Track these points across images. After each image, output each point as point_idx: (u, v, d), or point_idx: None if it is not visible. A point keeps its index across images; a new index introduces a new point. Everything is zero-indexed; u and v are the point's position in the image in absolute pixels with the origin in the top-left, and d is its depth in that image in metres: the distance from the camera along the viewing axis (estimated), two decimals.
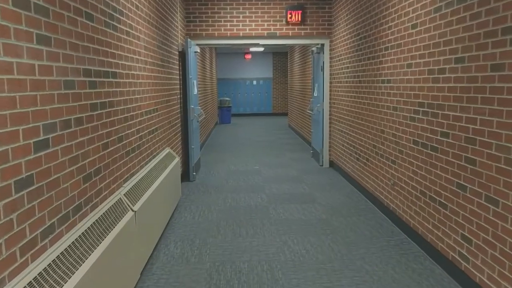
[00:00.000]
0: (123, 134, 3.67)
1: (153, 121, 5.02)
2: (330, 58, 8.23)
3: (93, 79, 2.98)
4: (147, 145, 4.59)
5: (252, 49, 18.86)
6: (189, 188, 6.83)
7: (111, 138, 3.35)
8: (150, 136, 4.78)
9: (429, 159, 4.02)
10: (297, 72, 13.45)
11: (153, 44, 5.15)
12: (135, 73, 4.14)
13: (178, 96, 7.13)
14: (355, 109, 6.65)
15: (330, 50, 8.21)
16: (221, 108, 17.83)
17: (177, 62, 7.04)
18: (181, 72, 7.40)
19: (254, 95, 21.36)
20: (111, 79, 3.37)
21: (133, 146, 3.99)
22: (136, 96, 4.15)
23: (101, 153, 3.12)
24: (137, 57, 4.24)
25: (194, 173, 7.43)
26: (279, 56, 21.18)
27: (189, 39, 7.17)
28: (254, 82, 21.33)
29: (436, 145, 3.88)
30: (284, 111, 21.33)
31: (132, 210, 3.36)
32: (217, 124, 17.50)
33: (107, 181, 3.24)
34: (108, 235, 2.77)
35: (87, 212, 2.83)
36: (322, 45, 8.35)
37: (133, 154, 3.98)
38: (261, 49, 19.10)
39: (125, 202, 3.34)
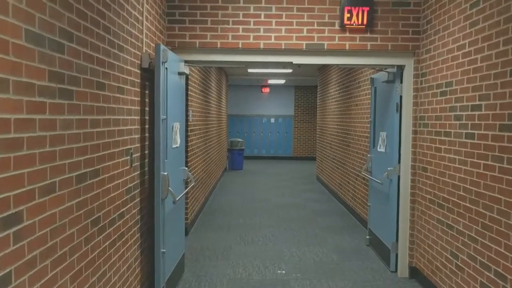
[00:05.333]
0: None
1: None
2: (418, 90, 4.73)
3: None
4: None
5: (272, 81, 15.57)
6: None
7: None
8: None
9: None
10: (333, 109, 9.97)
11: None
12: None
13: (138, 155, 3.65)
14: (489, 192, 3.08)
15: (419, 76, 4.72)
16: (231, 151, 14.37)
17: (136, 89, 3.61)
18: (147, 108, 3.96)
19: (272, 134, 17.92)
20: None
21: None
22: None
23: None
24: None
25: None
26: (303, 90, 17.82)
27: (163, 47, 3.74)
28: (272, 120, 17.93)
29: None
30: (307, 154, 17.77)
31: None
32: (226, 171, 14.00)
33: None
34: None
35: None
36: (400, 68, 4.88)
37: None
38: (282, 81, 15.80)
39: None
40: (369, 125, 6.65)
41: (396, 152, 4.99)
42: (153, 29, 4.13)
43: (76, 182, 2.45)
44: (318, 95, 12.43)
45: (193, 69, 6.83)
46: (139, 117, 3.69)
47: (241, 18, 4.66)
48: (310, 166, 15.37)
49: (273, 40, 4.66)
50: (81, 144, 2.51)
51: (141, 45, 3.73)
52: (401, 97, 4.92)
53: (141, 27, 3.72)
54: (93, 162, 2.69)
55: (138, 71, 3.67)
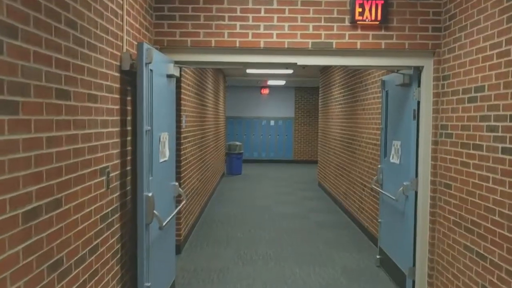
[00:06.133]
0: None
1: None
2: (439, 94, 4.18)
3: None
4: None
5: (272, 82, 15.00)
6: None
7: None
8: None
9: None
10: (336, 113, 9.41)
11: None
12: None
13: (117, 172, 3.09)
14: None
15: (441, 79, 4.17)
16: (229, 155, 13.80)
17: (115, 96, 3.05)
18: (129, 117, 3.40)
19: (272, 137, 17.35)
20: None
21: None
22: None
23: None
24: None
25: None
26: (303, 91, 17.26)
27: (146, 46, 3.19)
28: (272, 122, 17.37)
29: None
30: (308, 158, 17.21)
31: None
32: (224, 176, 13.44)
33: None
34: None
35: None
36: (418, 69, 4.33)
37: None
38: (282, 82, 15.25)
39: None
40: (378, 132, 6.09)
41: (413, 165, 4.43)
42: (137, 25, 3.57)
43: (24, 220, 1.89)
44: (320, 97, 11.88)
45: (187, 70, 6.27)
46: (118, 129, 3.13)
47: (238, 14, 4.10)
48: (311, 170, 14.82)
49: (274, 38, 4.11)
50: (32, 170, 1.95)
51: (121, 44, 3.18)
52: (418, 102, 4.36)
53: (120, 23, 3.16)
54: (51, 191, 2.13)
55: (117, 74, 3.11)
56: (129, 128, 3.38)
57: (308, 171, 14.62)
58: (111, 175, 2.97)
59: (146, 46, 3.18)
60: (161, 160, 3.72)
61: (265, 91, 17.29)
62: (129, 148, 3.39)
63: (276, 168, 15.55)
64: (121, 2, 3.16)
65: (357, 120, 7.45)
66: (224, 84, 13.84)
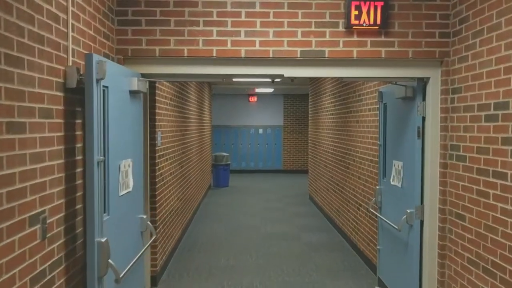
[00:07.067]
0: None
1: None
2: (447, 110, 3.61)
3: None
4: None
5: (260, 89, 14.43)
6: None
7: None
8: None
9: None
10: (327, 124, 8.84)
11: None
12: None
13: (61, 215, 2.47)
14: None
15: (450, 92, 3.61)
16: (216, 167, 13.17)
17: (57, 121, 2.43)
18: (79, 145, 2.78)
19: (260, 146, 16.76)
20: None
21: None
22: None
23: None
24: None
25: None
26: (293, 99, 16.71)
27: (97, 57, 2.57)
28: (260, 131, 16.79)
29: None
30: (298, 167, 16.63)
31: None
32: (211, 188, 12.80)
33: None
34: None
35: None
36: (422, 81, 3.77)
37: None
38: (270, 90, 14.69)
39: None
40: (375, 147, 5.53)
41: (418, 189, 3.86)
42: (91, 32, 2.97)
43: None
44: (310, 106, 11.32)
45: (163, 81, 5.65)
46: (62, 161, 2.52)
47: (215, 18, 3.51)
48: (301, 180, 14.22)
49: (257, 47, 3.52)
50: None
51: (65, 56, 2.56)
52: (423, 118, 3.81)
53: (64, 30, 2.55)
54: None
55: (59, 94, 2.50)
56: (79, 157, 2.77)
57: (298, 182, 14.01)
58: (49, 221, 2.35)
59: (96, 58, 2.57)
60: (122, 193, 3.10)
61: (253, 98, 16.71)
62: (79, 181, 2.77)
63: (265, 179, 14.94)
64: (65, 3, 2.55)
65: (351, 133, 6.88)
66: (210, 92, 13.23)
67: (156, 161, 5.22)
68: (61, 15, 2.50)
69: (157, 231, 5.17)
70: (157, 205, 5.19)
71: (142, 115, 3.70)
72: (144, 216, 3.61)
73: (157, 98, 5.22)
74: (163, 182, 5.61)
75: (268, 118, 16.78)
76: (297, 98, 16.70)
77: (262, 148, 16.78)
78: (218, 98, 16.27)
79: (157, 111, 5.23)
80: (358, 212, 6.43)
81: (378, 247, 4.89)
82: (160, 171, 5.45)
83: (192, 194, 8.62)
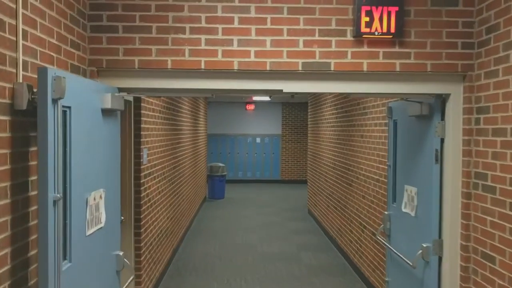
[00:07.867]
0: None
1: None
2: (471, 132, 3.13)
3: None
4: None
5: (257, 97, 13.96)
6: None
7: None
8: None
9: None
10: (328, 136, 8.36)
11: None
12: None
13: (6, 268, 1.97)
14: None
15: (474, 112, 3.12)
16: (211, 178, 12.66)
17: (0, 152, 1.96)
18: (33, 178, 2.28)
19: (258, 156, 16.27)
20: None
21: None
22: None
23: None
24: None
25: None
26: (291, 107, 16.24)
27: (53, 71, 2.09)
28: (258, 140, 16.31)
29: None
30: (296, 177, 16.13)
31: None
32: (206, 200, 12.29)
33: None
34: None
35: None
36: (441, 97, 3.29)
37: None
38: (269, 98, 14.20)
39: None
40: (382, 166, 5.05)
41: (436, 221, 3.37)
42: (53, 41, 2.48)
43: None
44: (309, 115, 10.84)
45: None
46: (8, 201, 2.03)
47: (203, 24, 3.03)
48: (300, 192, 13.70)
49: (252, 58, 3.04)
50: None
51: (13, 71, 2.08)
52: (442, 140, 3.33)
53: (13, 38, 2.06)
54: None
55: (5, 118, 2.01)
56: (33, 193, 2.27)
57: (297, 194, 13.49)
58: None
59: (52, 72, 2.08)
60: (91, 231, 2.61)
61: (251, 106, 16.24)
62: (33, 222, 2.27)
63: (263, 190, 14.43)
64: (13, 6, 2.06)
65: (354, 148, 6.40)
66: (205, 100, 12.75)
67: (142, 181, 4.73)
68: (7, 19, 2.02)
69: (142, 258, 4.67)
70: (141, 230, 4.69)
71: (120, 135, 3.21)
72: (121, 253, 3.11)
73: (143, 112, 4.74)
74: (150, 203, 5.11)
75: (265, 126, 16.30)
76: (296, 107, 16.23)
77: (260, 158, 16.29)
78: (214, 106, 15.79)
79: (143, 126, 4.74)
80: (362, 235, 5.94)
81: (386, 279, 4.38)
82: (146, 192, 4.96)
83: (185, 210, 8.11)
